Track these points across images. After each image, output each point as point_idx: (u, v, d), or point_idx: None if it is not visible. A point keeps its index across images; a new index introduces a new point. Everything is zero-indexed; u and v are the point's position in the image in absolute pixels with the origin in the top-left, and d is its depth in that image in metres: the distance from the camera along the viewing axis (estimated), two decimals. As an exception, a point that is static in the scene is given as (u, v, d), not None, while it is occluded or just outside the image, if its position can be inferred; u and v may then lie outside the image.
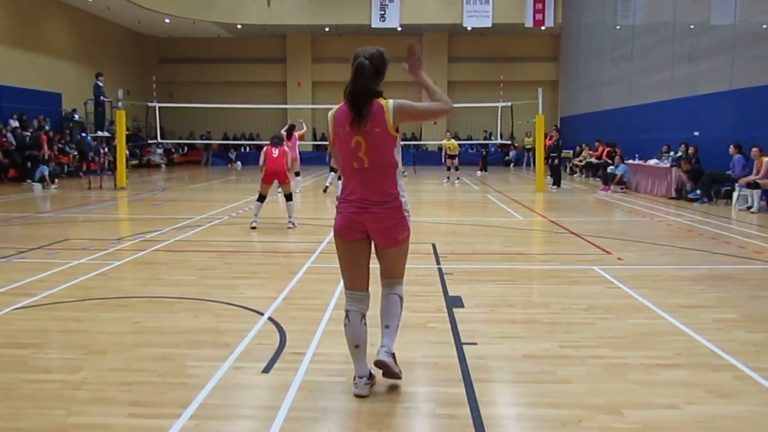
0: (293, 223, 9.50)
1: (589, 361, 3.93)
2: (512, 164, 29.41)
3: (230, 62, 31.78)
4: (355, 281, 3.47)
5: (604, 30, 22.80)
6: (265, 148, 9.58)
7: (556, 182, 17.30)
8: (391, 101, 3.33)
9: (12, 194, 15.16)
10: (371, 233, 3.40)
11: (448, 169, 19.45)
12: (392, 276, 3.55)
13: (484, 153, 25.45)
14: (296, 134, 14.94)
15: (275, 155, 9.39)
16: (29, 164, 18.07)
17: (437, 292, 5.64)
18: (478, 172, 24.08)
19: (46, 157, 18.06)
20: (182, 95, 29.85)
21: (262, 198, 9.51)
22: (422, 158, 28.13)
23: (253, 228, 9.32)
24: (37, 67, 22.49)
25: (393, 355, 3.45)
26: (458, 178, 19.24)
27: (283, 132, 14.92)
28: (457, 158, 19.44)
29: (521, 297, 5.60)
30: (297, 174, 15.57)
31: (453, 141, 19.80)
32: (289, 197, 9.65)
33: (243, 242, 8.57)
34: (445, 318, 4.84)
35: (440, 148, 24.77)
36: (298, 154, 15.17)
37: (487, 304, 5.30)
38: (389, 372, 3.42)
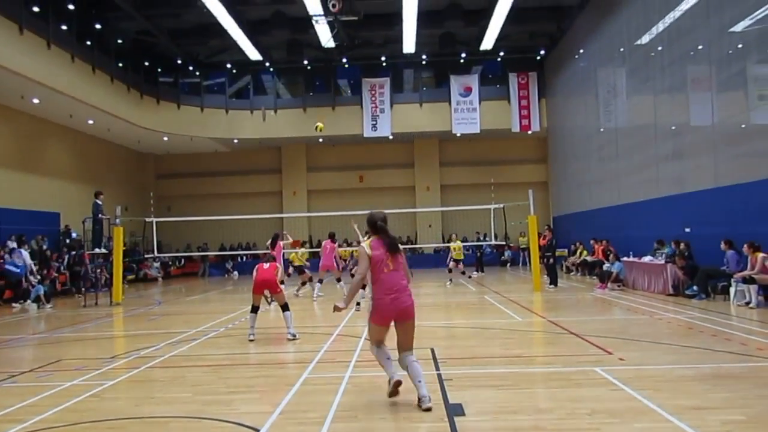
0: (293, 334, 9.35)
1: (597, 470, 3.80)
2: (508, 264, 29.49)
3: (226, 175, 32.54)
4: (383, 341, 5.72)
5: (589, 132, 23.57)
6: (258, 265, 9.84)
7: (553, 281, 17.29)
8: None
9: (7, 315, 15.02)
10: (399, 312, 5.49)
11: (461, 272, 19.72)
12: (407, 347, 5.55)
13: (479, 254, 25.62)
14: (281, 243, 15.15)
15: (266, 267, 9.67)
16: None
17: (437, 399, 5.51)
18: (474, 273, 24.09)
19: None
20: (179, 208, 30.35)
21: (255, 309, 9.53)
22: (418, 261, 28.26)
23: (252, 341, 9.24)
24: (38, 189, 22.90)
25: (429, 398, 5.27)
26: (450, 281, 19.30)
27: (268, 243, 15.11)
28: (458, 262, 19.53)
29: (524, 402, 5.47)
30: (281, 282, 15.52)
31: (459, 243, 19.92)
32: (284, 308, 9.57)
33: (238, 355, 8.43)
34: (446, 428, 4.70)
35: (435, 251, 25.00)
36: (282, 263, 15.34)
37: (489, 411, 5.17)
38: (429, 410, 5.20)
